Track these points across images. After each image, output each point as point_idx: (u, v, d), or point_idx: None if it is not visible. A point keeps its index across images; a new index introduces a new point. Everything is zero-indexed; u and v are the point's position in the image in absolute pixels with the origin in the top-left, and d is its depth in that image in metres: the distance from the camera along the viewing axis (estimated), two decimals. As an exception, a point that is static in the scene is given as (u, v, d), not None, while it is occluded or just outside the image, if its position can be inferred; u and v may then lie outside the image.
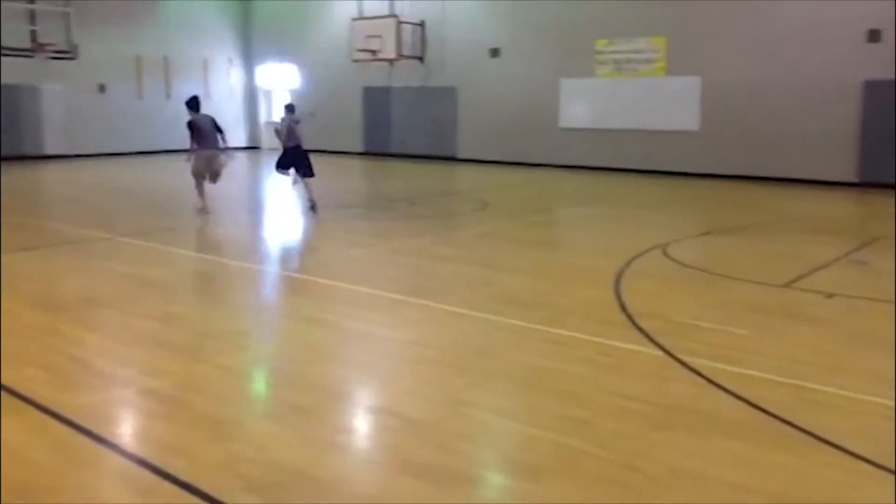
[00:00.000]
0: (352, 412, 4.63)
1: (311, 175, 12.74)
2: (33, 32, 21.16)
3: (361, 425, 4.46)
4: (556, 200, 14.94)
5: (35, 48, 21.02)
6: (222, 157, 12.67)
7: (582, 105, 19.38)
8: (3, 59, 20.43)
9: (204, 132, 12.45)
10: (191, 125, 12.42)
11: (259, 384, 5.22)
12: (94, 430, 4.14)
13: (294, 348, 5.80)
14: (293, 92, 26.05)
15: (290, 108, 13.36)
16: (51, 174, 19.47)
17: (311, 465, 3.77)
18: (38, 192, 16.49)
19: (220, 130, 12.57)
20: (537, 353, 5.48)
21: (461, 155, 21.79)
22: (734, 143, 17.17)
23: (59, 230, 11.45)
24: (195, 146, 12.42)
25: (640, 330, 5.94)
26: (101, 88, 23.13)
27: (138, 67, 23.96)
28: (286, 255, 9.80)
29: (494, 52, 20.77)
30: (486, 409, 4.51)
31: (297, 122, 13.05)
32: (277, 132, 13.14)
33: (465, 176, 19.16)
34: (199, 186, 12.51)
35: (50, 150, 22.17)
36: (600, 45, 18.83)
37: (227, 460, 3.82)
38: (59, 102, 22.35)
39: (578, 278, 7.90)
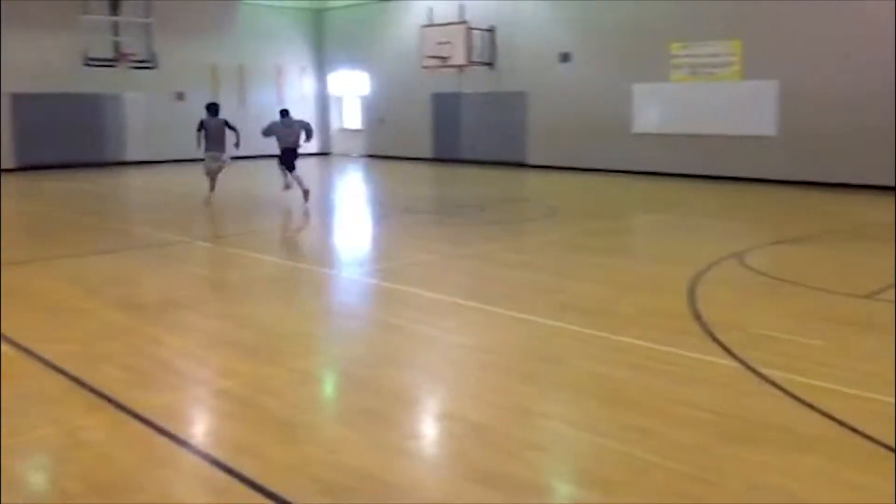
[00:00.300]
0: (420, 417, 4.65)
1: (293, 169, 14.30)
2: (116, 43, 21.95)
3: (429, 431, 4.47)
4: (628, 207, 14.73)
5: (118, 58, 21.80)
6: (223, 157, 14.59)
7: (655, 110, 19.08)
8: (90, 69, 21.22)
9: (211, 135, 14.39)
10: (203, 127, 14.42)
11: (329, 387, 5.29)
12: (171, 429, 4.26)
13: (363, 352, 5.86)
14: (363, 98, 26.39)
15: (284, 113, 14.90)
16: (132, 179, 20.14)
17: (381, 470, 3.80)
18: (120, 197, 17.08)
19: (234, 129, 14.55)
20: (606, 361, 5.41)
21: (531, 161, 21.70)
22: (812, 148, 16.65)
23: (140, 233, 11.84)
24: (206, 147, 14.46)
25: (715, 340, 5.80)
26: (180, 96, 23.83)
27: (214, 76, 24.60)
28: (356, 260, 9.91)
29: (565, 57, 20.63)
30: (554, 417, 4.48)
31: (290, 125, 14.53)
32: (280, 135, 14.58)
33: (535, 182, 19.07)
34: (212, 184, 14.53)
35: (131, 157, 22.94)
36: (674, 48, 18.51)
37: (299, 462, 3.88)
38: (140, 110, 23.11)
39: (650, 286, 7.77)
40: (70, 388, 4.98)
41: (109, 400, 4.71)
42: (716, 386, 4.93)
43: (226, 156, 14.69)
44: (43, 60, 21.07)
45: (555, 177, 19.46)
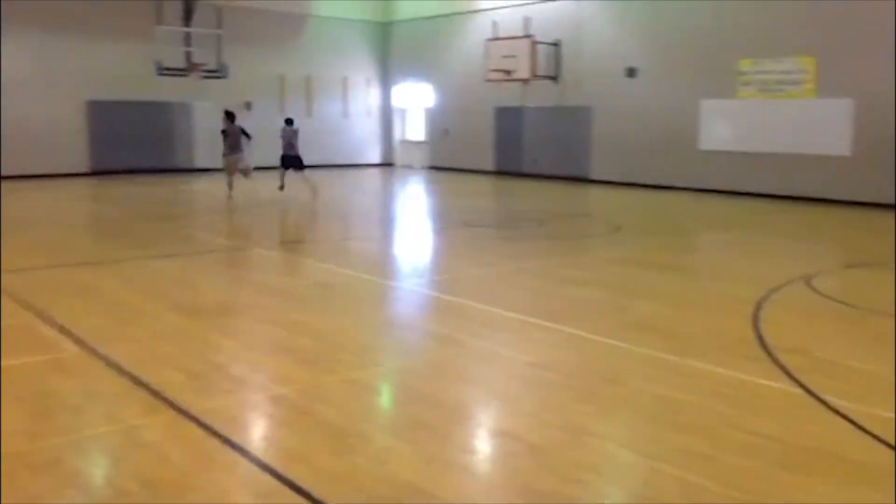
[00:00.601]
0: (474, 433, 4.59)
1: (302, 168, 16.61)
2: (188, 53, 22.52)
3: (483, 447, 4.41)
4: (693, 225, 14.43)
5: (189, 68, 22.36)
6: (245, 158, 16.46)
7: (723, 127, 18.70)
8: (163, 78, 21.82)
9: (232, 139, 16.35)
10: (224, 133, 16.52)
11: (383, 398, 5.27)
12: (224, 432, 4.29)
13: (419, 364, 5.83)
14: (426, 110, 26.52)
15: (289, 122, 17.27)
16: (199, 186, 20.58)
17: (431, 484, 3.75)
18: (187, 203, 17.46)
19: (248, 136, 16.49)
20: (665, 383, 5.27)
21: (594, 176, 21.48)
22: (888, 169, 16.08)
23: (204, 239, 12.07)
24: (226, 150, 16.42)
25: (779, 365, 5.61)
26: (248, 106, 24.28)
27: (282, 86, 25.04)
28: (415, 271, 9.92)
29: (631, 72, 20.40)
30: (610, 438, 4.37)
31: (295, 132, 16.90)
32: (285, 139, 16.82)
33: (598, 197, 18.86)
34: (229, 181, 16.34)
35: (199, 164, 23.44)
36: (744, 65, 18.14)
37: (348, 472, 3.86)
38: (209, 119, 23.64)
39: (713, 307, 7.57)
40: (130, 387, 5.07)
41: (167, 401, 4.78)
42: (777, 412, 4.75)
43: (244, 157, 16.58)
44: (118, 69, 21.74)
45: (618, 192, 19.22)
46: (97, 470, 4.04)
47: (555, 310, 7.28)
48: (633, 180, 20.37)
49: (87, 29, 21.39)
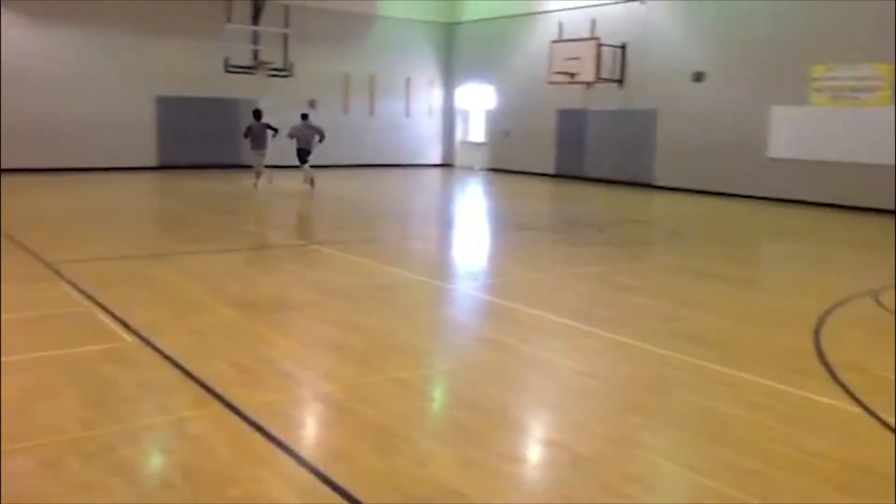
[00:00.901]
0: (518, 440, 4.54)
1: (306, 161, 17.71)
2: (255, 52, 22.93)
3: (526, 454, 4.36)
4: (758, 234, 14.07)
5: (256, 66, 22.76)
6: (265, 154, 17.91)
7: (794, 134, 18.19)
8: (230, 75, 22.26)
9: (255, 136, 17.84)
10: (249, 130, 17.92)
11: (429, 400, 5.26)
12: (269, 428, 4.34)
13: (467, 368, 5.80)
14: (488, 112, 26.47)
15: (304, 117, 18.23)
16: (262, 183, 20.88)
17: (472, 490, 3.72)
18: (248, 199, 17.73)
19: (274, 130, 17.92)
20: (717, 396, 5.14)
21: (657, 181, 21.15)
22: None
23: (262, 235, 12.27)
24: (251, 146, 17.89)
25: (838, 381, 5.42)
26: (312, 104, 24.61)
27: (346, 85, 25.30)
28: (469, 273, 9.90)
29: (698, 76, 20.02)
30: (657, 451, 4.28)
31: (310, 128, 17.83)
32: (290, 135, 17.85)
33: (660, 203, 18.56)
34: (256, 174, 17.89)
35: (268, 161, 23.73)
36: (816, 71, 17.62)
37: (388, 473, 3.86)
38: (274, 116, 23.99)
39: (772, 320, 7.36)
40: (182, 379, 5.17)
41: (215, 394, 4.85)
42: (833, 431, 4.59)
43: (265, 150, 18.05)
44: (187, 66, 22.27)
45: (682, 199, 18.88)
46: (145, 460, 4.12)
47: (607, 317, 7.17)
48: (696, 187, 19.99)
49: (157, 27, 21.96)
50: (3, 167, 19.60)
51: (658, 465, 4.12)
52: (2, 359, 5.45)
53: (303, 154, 17.74)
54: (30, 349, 5.79)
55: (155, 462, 4.11)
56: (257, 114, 18.12)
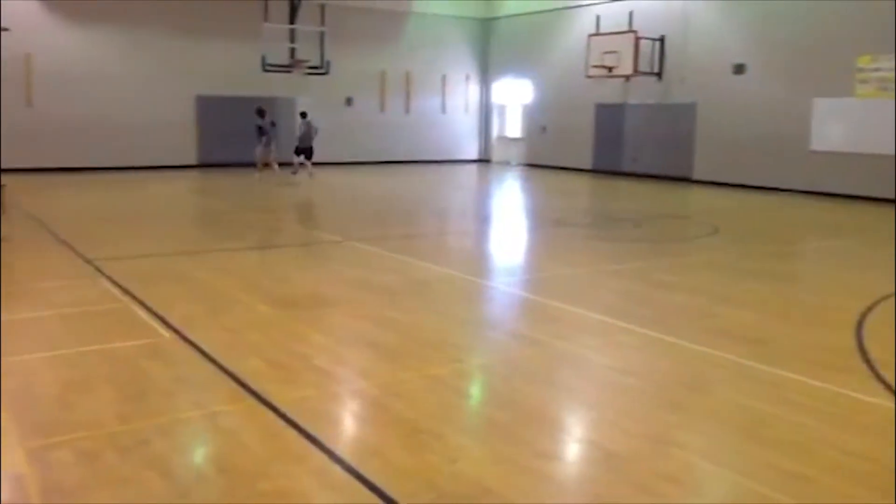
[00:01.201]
0: (551, 437, 4.50)
1: (310, 158, 19.60)
2: (292, 50, 23.08)
3: (560, 452, 4.32)
4: (800, 229, 13.80)
5: (293, 64, 22.91)
6: (273, 148, 19.44)
7: (839, 127, 17.79)
8: (268, 74, 22.44)
9: (265, 132, 19.28)
10: (260, 128, 19.31)
11: (462, 397, 5.24)
12: (302, 423, 4.35)
13: (501, 364, 5.77)
14: (524, 107, 26.35)
15: (303, 115, 19.87)
16: (300, 180, 21.05)
17: (503, 486, 3.70)
18: (286, 196, 17.87)
19: (273, 124, 19.58)
20: (756, 395, 5.04)
21: (697, 176, 20.86)
22: None
23: (299, 231, 12.35)
24: (259, 141, 19.35)
25: (881, 380, 5.28)
26: (348, 101, 24.73)
27: (382, 82, 25.37)
28: (504, 270, 9.85)
29: (739, 69, 19.69)
30: (694, 450, 4.21)
31: (309, 125, 19.57)
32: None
33: (699, 198, 18.30)
34: (264, 167, 19.31)
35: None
36: (862, 62, 17.22)
37: (420, 469, 3.85)
38: (314, 114, 24.13)
39: (813, 318, 7.21)
40: (217, 375, 5.22)
41: (250, 390, 4.89)
42: (877, 431, 4.47)
43: (273, 149, 19.54)
44: (226, 66, 22.51)
45: (722, 194, 18.59)
46: (179, 454, 4.16)
47: (644, 314, 7.08)
48: (737, 181, 19.67)
49: (196, 28, 22.22)
50: (46, 166, 20.00)
51: (695, 465, 4.05)
52: (33, 355, 5.57)
53: (303, 150, 19.52)
54: (70, 344, 5.90)
55: (189, 456, 4.15)
56: (259, 112, 19.40)
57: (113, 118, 21.33)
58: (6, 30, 19.09)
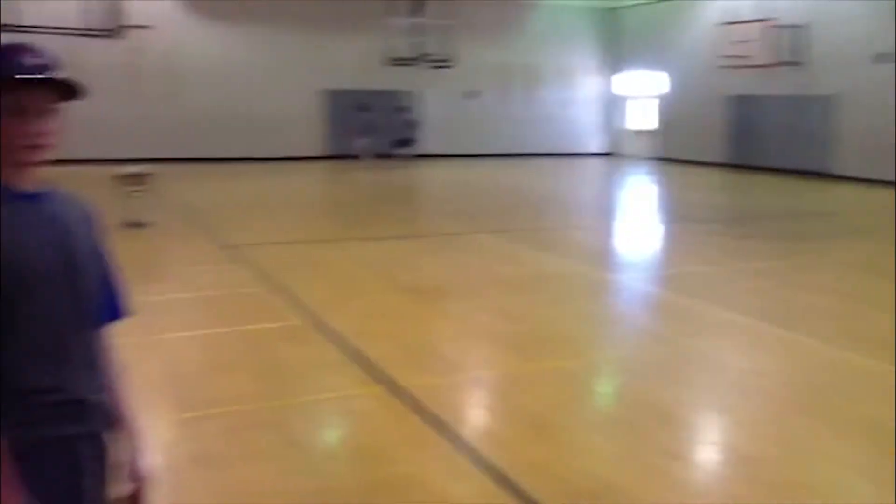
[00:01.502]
0: (679, 436, 4.41)
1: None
2: (417, 44, 23.35)
3: (687, 452, 4.23)
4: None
5: (418, 58, 23.21)
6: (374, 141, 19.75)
7: None
8: (393, 67, 22.86)
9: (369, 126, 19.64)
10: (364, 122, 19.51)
11: (588, 392, 5.21)
12: (429, 409, 4.44)
13: (629, 361, 5.70)
14: (653, 99, 25.70)
15: (403, 109, 20.20)
16: (427, 172, 21.38)
17: (631, 485, 3.67)
18: (416, 188, 18.24)
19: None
20: (901, 403, 4.76)
21: (838, 171, 19.77)
22: None
23: (430, 223, 12.56)
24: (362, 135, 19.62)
25: None
26: (474, 94, 24.85)
27: (507, 74, 25.33)
28: (633, 265, 9.68)
29: (882, 58, 18.49)
30: (829, 457, 4.02)
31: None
32: None
33: (841, 195, 17.36)
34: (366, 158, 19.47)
35: (430, 150, 24.29)
36: None
37: (545, 462, 3.86)
38: (438, 106, 24.45)
39: (968, 323, 6.72)
40: (348, 359, 5.39)
41: (380, 375, 5.03)
42: None
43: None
44: (351, 60, 23.09)
45: (864, 190, 17.56)
46: (313, 433, 4.35)
47: (780, 314, 6.81)
48: (882, 177, 18.51)
49: (322, 23, 22.91)
50: (187, 156, 21.13)
51: (830, 473, 3.88)
52: (176, 334, 5.92)
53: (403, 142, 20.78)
54: (211, 325, 6.24)
55: (322, 435, 4.33)
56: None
57: (245, 111, 22.30)
58: (149, 27, 20.31)
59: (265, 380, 4.99)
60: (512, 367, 5.34)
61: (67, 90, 1.64)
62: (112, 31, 18.98)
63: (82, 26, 18.43)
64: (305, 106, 23.06)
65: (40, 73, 1.61)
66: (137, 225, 10.26)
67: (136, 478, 1.82)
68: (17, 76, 1.58)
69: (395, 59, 22.82)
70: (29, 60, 1.61)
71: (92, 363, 1.73)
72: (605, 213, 14.71)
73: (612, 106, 27.41)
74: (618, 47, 26.96)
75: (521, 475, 3.68)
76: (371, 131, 22.53)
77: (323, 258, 9.05)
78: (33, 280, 1.60)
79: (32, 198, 1.65)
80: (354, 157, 22.08)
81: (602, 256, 10.12)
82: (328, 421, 4.50)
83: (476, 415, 4.67)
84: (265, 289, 7.38)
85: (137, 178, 11.06)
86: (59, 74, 1.64)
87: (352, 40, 23.15)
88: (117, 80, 20.06)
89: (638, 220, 13.88)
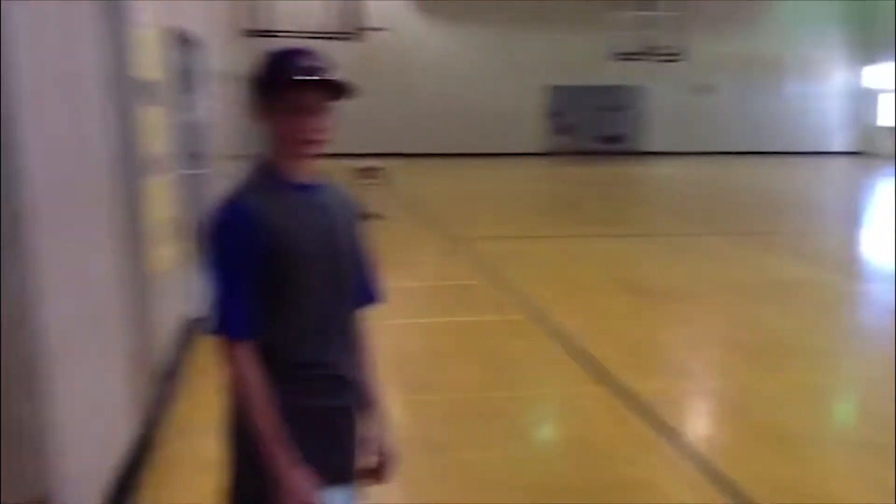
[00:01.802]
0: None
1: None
2: (644, 37, 22.65)
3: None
4: None
5: (645, 52, 22.51)
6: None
7: None
8: (618, 62, 22.36)
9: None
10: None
11: (830, 409, 4.77)
12: (657, 415, 4.26)
13: (882, 380, 5.11)
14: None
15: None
16: (651, 169, 20.74)
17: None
18: (638, 185, 17.76)
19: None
20: None
21: None
22: None
23: (654, 222, 12.16)
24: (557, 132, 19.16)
25: None
26: (708, 88, 23.75)
27: (742, 66, 23.96)
28: (882, 276, 8.76)
29: None
30: None
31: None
32: None
33: None
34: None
35: (655, 147, 23.63)
36: None
37: (784, 481, 3.57)
38: (667, 102, 23.65)
39: None
40: (570, 356, 5.31)
41: (604, 375, 4.90)
42: None
43: None
44: (574, 55, 22.90)
45: None
46: (537, 427, 4.32)
47: None
48: None
49: (547, 20, 22.89)
50: (413, 152, 22.00)
51: None
52: (405, 321, 6.12)
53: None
54: (437, 314, 6.42)
55: (547, 430, 4.30)
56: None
57: (470, 108, 22.88)
58: (386, 30, 21.35)
59: (487, 370, 5.03)
60: (747, 377, 5.00)
61: (339, 90, 1.76)
62: (352, 34, 20.17)
63: (324, 29, 19.76)
64: (528, 102, 23.23)
65: (316, 75, 1.73)
66: (376, 216, 10.81)
67: (382, 453, 1.95)
68: (296, 77, 1.71)
69: (621, 54, 22.34)
70: (306, 63, 1.74)
71: (349, 343, 1.87)
72: (852, 217, 13.47)
73: (862, 100, 25.07)
74: (870, 36, 24.59)
75: (758, 494, 3.41)
76: (586, 128, 22.27)
77: (545, 253, 9.03)
78: (302, 263, 1.74)
79: (306, 188, 1.79)
80: (574, 153, 21.91)
81: (848, 265, 9.27)
82: (551, 416, 4.46)
83: (707, 424, 4.42)
84: (488, 282, 7.48)
85: (371, 172, 11.65)
86: (332, 76, 1.75)
87: (576, 36, 23.03)
88: (354, 80, 21.29)
89: (891, 227, 12.57)
